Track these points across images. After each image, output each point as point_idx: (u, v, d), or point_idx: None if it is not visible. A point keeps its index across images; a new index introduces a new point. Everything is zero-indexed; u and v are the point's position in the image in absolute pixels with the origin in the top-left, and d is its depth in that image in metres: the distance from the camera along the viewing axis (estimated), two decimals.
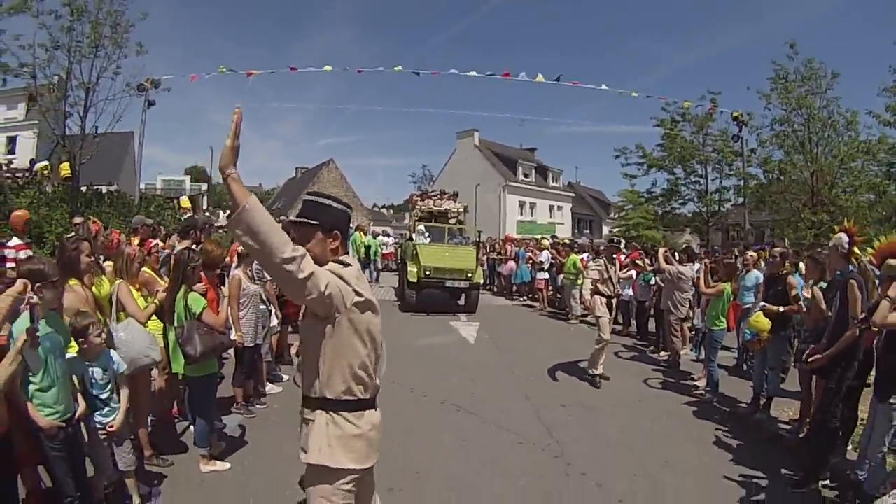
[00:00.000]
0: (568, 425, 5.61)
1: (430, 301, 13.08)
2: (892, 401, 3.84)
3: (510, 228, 36.96)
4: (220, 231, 11.74)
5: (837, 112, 16.38)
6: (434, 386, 6.74)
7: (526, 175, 43.92)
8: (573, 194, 49.20)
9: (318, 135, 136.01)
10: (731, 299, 7.16)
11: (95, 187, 14.58)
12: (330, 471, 2.20)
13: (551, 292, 14.38)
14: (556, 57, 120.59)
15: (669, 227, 22.59)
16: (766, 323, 5.78)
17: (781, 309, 5.76)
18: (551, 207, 46.03)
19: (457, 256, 13.12)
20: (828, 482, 4.38)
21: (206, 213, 22.24)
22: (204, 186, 44.47)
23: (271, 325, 5.90)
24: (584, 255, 12.91)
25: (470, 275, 12.81)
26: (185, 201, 15.79)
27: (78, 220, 8.06)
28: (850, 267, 4.57)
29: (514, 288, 15.95)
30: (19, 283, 2.43)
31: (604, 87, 18.84)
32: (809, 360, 4.64)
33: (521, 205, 43.13)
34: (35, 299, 2.54)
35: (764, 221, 21.46)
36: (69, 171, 13.31)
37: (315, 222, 2.30)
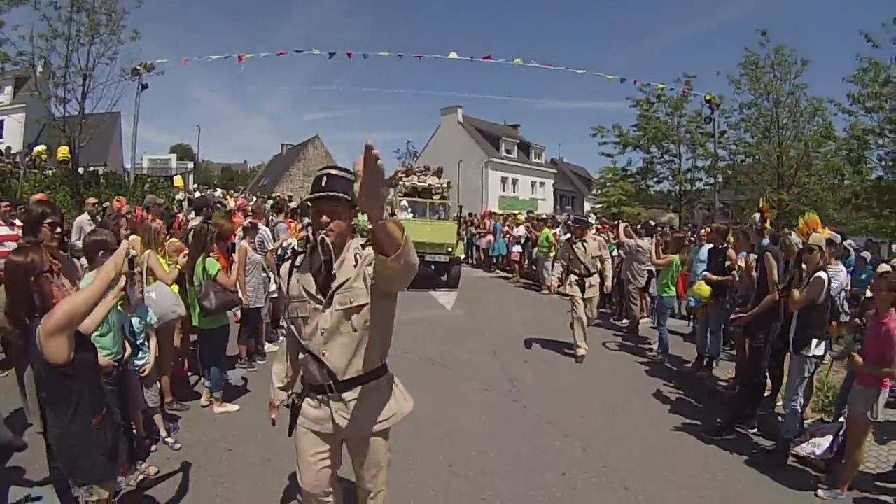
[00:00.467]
0: (528, 377, 6.44)
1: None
2: (804, 352, 4.42)
3: (493, 204, 37.49)
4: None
5: (805, 98, 17.08)
6: (414, 347, 7.48)
7: (508, 151, 44.42)
8: (555, 171, 49.74)
9: (303, 110, 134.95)
10: (680, 269, 7.92)
11: (92, 168, 15.04)
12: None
13: (526, 265, 15.17)
14: (543, 25, 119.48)
15: (644, 203, 23.40)
16: (706, 290, 6.54)
17: (718, 278, 6.53)
18: (533, 183, 46.65)
19: (437, 231, 13.39)
20: (756, 430, 5.12)
21: (212, 191, 22.82)
22: (190, 165, 44.34)
23: (270, 290, 6.58)
24: (558, 230, 13.68)
25: (450, 249, 13.19)
26: (178, 181, 16.34)
27: (91, 200, 8.60)
28: (765, 240, 5.32)
29: (492, 260, 16.77)
30: (124, 247, 2.66)
31: (580, 71, 19.56)
32: (732, 318, 5.40)
33: (504, 180, 43.69)
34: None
35: (739, 201, 22.24)
36: (67, 155, 13.73)
37: (349, 198, 2.30)
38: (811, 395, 5.27)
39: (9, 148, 18.29)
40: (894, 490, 4.03)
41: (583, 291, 7.57)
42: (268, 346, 6.92)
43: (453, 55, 18.29)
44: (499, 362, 6.96)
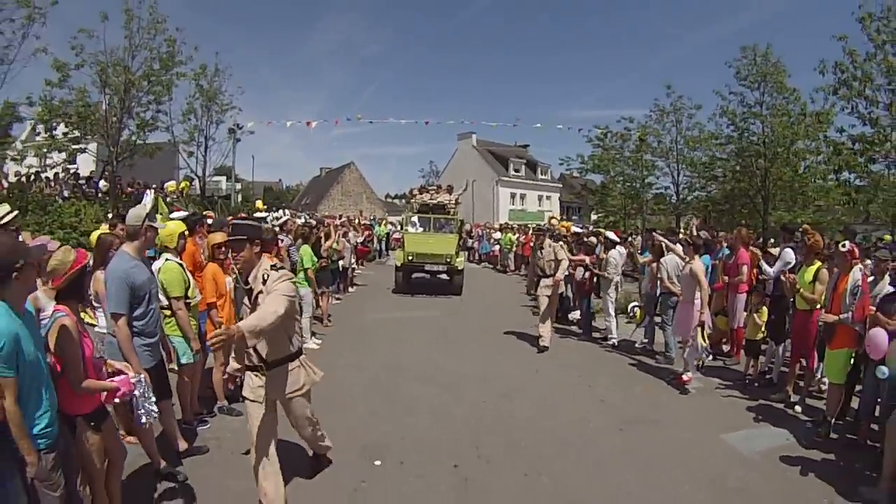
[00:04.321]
0: (499, 328, 10.55)
1: (419, 286, 15.25)
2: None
3: (503, 217, 44.05)
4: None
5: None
6: (412, 316, 11.70)
7: (517, 170, 51.56)
8: (561, 185, 56.25)
9: (330, 126, 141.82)
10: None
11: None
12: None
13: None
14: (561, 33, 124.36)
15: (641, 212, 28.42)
16: None
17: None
18: (540, 197, 53.50)
19: (439, 243, 14.83)
20: None
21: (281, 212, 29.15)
22: (238, 186, 51.72)
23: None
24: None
25: (448, 260, 14.47)
26: (259, 204, 23.21)
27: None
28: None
29: (479, 256, 24.02)
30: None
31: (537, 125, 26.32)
32: None
33: (513, 196, 50.85)
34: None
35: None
36: (187, 186, 20.88)
37: (246, 237, 3.48)
38: None
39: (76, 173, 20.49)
40: None
41: (536, 289, 9.20)
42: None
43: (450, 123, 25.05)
44: (479, 326, 10.77)
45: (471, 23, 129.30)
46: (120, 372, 3.41)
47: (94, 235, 5.61)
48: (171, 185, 18.29)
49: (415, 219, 16.30)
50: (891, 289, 5.25)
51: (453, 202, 17.05)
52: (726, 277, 8.03)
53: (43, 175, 16.64)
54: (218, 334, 2.88)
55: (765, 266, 7.40)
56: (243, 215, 10.83)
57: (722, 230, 14.41)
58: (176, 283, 4.84)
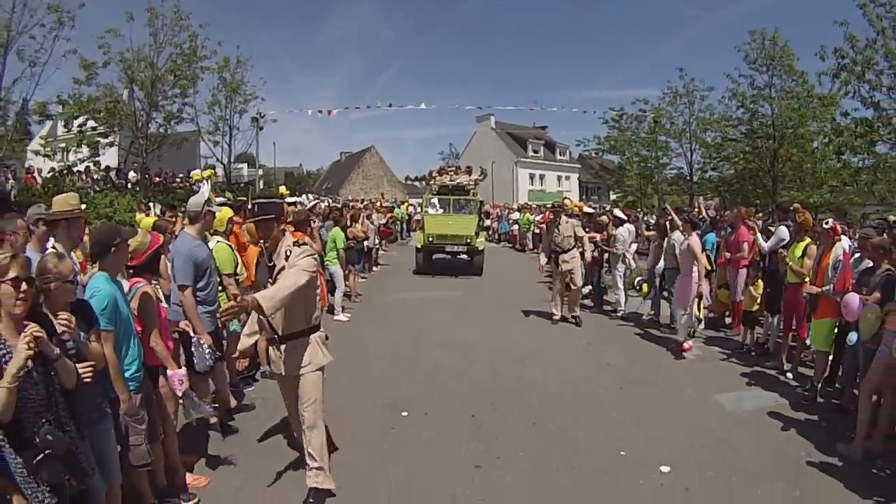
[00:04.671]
0: (516, 303, 11.27)
1: (439, 266, 15.29)
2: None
3: (522, 197, 44.43)
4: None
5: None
6: (433, 296, 12.40)
7: (535, 151, 51.81)
8: (580, 165, 56.32)
9: (349, 110, 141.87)
10: None
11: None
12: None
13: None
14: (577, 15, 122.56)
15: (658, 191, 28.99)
16: None
17: None
18: (559, 178, 53.76)
19: (458, 224, 14.84)
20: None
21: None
22: (260, 172, 52.66)
23: None
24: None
25: (469, 240, 14.54)
26: (284, 189, 23.91)
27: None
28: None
29: (498, 236, 24.58)
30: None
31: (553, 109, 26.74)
32: None
33: (532, 177, 51.16)
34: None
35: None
36: (212, 174, 21.72)
37: (273, 216, 3.67)
38: None
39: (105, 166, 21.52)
40: None
41: (558, 266, 9.38)
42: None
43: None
44: (497, 298, 11.98)
45: (486, 6, 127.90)
46: (185, 331, 4.12)
47: (147, 222, 6.33)
48: (196, 174, 19.36)
49: (434, 200, 16.45)
50: (870, 263, 5.74)
51: (472, 183, 17.08)
52: (728, 253, 8.54)
53: (74, 169, 17.56)
54: (231, 306, 3.17)
55: (760, 242, 7.92)
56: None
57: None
58: (227, 261, 5.54)
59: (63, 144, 18.13)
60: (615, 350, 7.97)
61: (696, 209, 11.62)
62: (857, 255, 6.22)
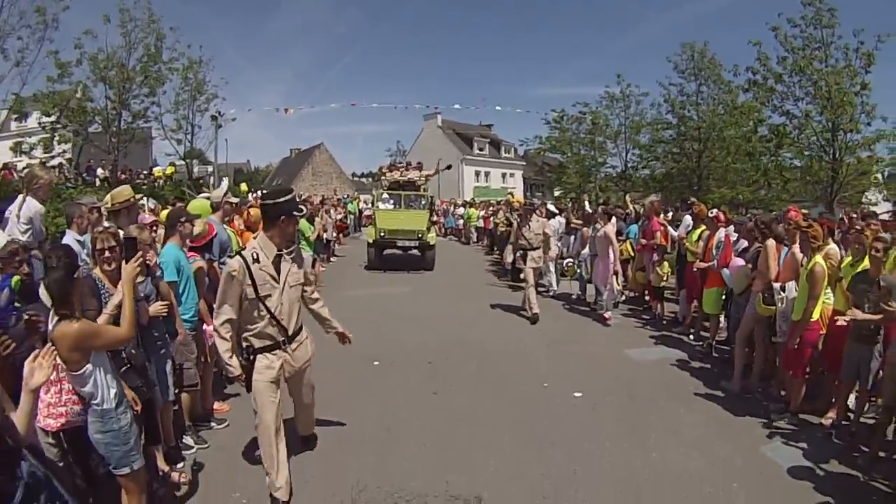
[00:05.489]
0: (463, 285, 14.14)
1: (391, 262, 15.53)
2: None
3: (468, 194, 46.00)
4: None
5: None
6: (391, 276, 14.47)
7: (481, 149, 53.60)
8: (525, 163, 58.28)
9: (295, 104, 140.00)
10: None
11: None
12: None
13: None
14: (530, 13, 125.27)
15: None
16: None
17: None
18: (504, 175, 55.68)
19: (409, 219, 14.94)
20: None
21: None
22: (209, 168, 52.60)
23: None
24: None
25: (420, 235, 14.65)
26: (244, 187, 24.26)
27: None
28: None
29: (445, 230, 25.94)
30: None
31: (497, 108, 28.41)
32: None
33: (478, 174, 52.94)
34: None
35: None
36: (173, 171, 22.26)
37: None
38: None
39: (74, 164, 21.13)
40: None
41: (525, 262, 9.55)
42: None
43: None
44: (448, 281, 14.11)
45: (436, 4, 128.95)
46: None
47: (164, 213, 7.33)
48: (157, 171, 19.59)
49: (385, 195, 16.47)
50: (745, 243, 7.21)
51: (423, 179, 17.19)
52: (644, 241, 10.04)
53: (47, 165, 17.87)
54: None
55: (671, 231, 9.45)
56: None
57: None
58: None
59: (34, 140, 18.35)
60: (546, 318, 9.32)
61: (623, 204, 13.14)
62: (736, 237, 7.77)
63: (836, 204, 16.10)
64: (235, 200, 7.01)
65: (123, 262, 3.20)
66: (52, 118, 17.50)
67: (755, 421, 5.33)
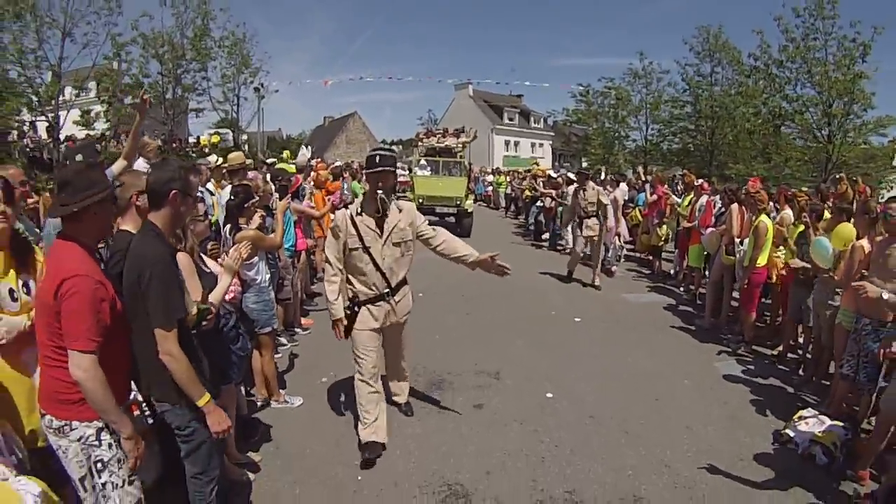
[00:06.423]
0: (491, 247, 15.56)
1: None
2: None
3: (498, 162, 47.04)
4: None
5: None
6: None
7: (511, 119, 54.65)
8: (553, 133, 59.09)
9: (324, 72, 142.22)
10: None
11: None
12: None
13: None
14: None
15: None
16: None
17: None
18: (533, 145, 56.78)
19: (448, 186, 14.88)
20: None
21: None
22: (244, 137, 54.83)
23: None
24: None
25: (458, 202, 14.54)
26: (287, 154, 25.94)
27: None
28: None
29: (475, 196, 27.52)
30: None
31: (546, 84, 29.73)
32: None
33: (507, 143, 54.11)
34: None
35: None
36: (218, 139, 24.23)
37: (393, 168, 3.86)
38: None
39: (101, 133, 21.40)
40: None
41: (581, 230, 9.78)
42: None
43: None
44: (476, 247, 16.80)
45: None
46: None
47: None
48: (203, 139, 21.45)
49: (423, 161, 16.45)
50: (724, 209, 8.81)
51: (460, 146, 16.90)
52: (651, 199, 11.63)
53: (106, 135, 19.98)
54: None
55: (673, 197, 11.05)
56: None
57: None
58: None
59: (99, 108, 20.38)
60: (561, 270, 10.99)
61: (639, 175, 14.66)
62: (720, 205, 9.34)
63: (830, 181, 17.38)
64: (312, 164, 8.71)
65: (277, 196, 5.02)
66: (109, 93, 19.53)
67: (716, 347, 6.89)
